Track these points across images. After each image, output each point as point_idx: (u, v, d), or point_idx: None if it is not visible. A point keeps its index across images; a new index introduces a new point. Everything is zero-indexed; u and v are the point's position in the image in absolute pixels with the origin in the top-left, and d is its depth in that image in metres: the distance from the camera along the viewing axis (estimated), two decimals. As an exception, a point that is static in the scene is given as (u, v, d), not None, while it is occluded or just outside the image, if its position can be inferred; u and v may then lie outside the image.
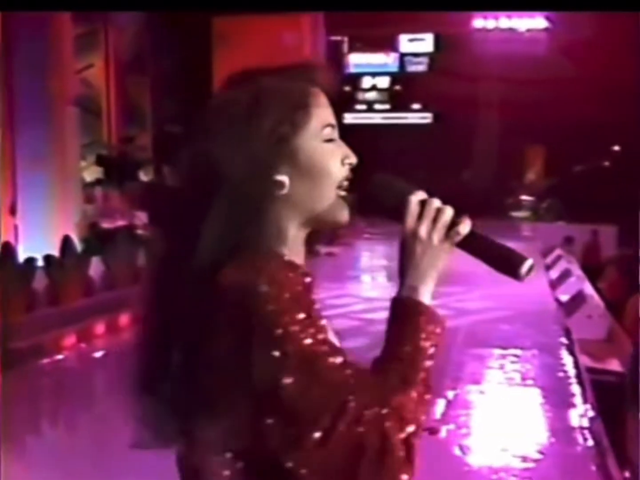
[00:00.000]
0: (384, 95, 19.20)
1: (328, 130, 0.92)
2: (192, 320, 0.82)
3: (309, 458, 0.77)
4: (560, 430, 3.89)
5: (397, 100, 18.73)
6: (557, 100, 15.12)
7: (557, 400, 4.36)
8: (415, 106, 18.16)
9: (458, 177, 16.75)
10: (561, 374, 4.96)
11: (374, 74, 19.35)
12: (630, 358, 5.00)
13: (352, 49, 19.25)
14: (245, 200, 0.85)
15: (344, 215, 0.91)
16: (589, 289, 7.58)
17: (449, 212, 0.89)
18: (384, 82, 19.17)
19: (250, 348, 0.77)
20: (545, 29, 16.74)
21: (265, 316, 0.78)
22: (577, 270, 9.18)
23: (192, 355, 0.82)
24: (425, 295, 0.87)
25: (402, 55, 19.10)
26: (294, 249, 0.90)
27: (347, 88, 18.74)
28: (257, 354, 0.77)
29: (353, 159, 0.92)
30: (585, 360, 5.35)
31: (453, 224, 0.88)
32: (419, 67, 18.88)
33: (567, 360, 5.30)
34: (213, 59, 13.80)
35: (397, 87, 18.96)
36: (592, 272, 9.67)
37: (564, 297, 7.45)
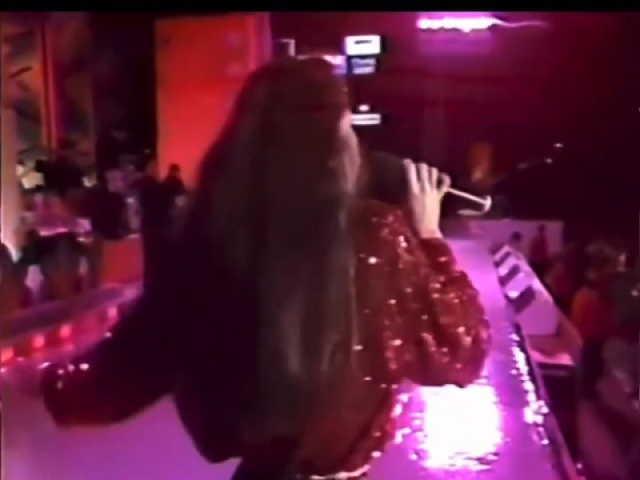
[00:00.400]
0: None
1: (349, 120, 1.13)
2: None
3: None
4: (515, 429, 3.84)
5: None
6: (502, 98, 15.35)
7: (510, 398, 4.32)
8: (364, 107, 17.85)
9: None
10: (514, 371, 4.93)
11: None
12: (580, 352, 5.02)
13: (299, 51, 19.16)
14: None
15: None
16: (537, 284, 7.64)
17: (435, 173, 1.22)
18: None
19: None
20: (490, 28, 16.95)
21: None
22: (525, 267, 9.26)
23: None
24: (439, 233, 1.19)
25: (349, 58, 19.16)
26: None
27: None
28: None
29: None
30: (536, 356, 5.35)
31: (439, 179, 1.22)
32: (365, 68, 18.95)
33: (519, 357, 5.29)
34: (157, 60, 13.52)
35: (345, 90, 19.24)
36: (540, 267, 9.80)
37: (513, 294, 7.49)
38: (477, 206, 1.30)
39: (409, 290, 0.98)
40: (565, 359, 5.55)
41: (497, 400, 4.32)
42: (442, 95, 16.87)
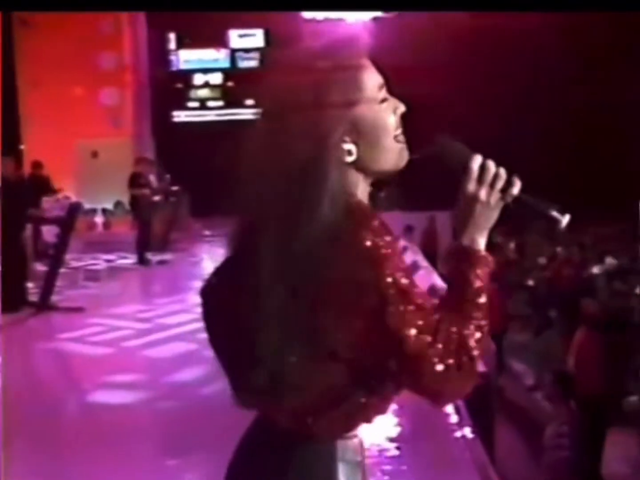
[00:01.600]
0: (216, 92, 18.76)
1: (383, 91, 1.08)
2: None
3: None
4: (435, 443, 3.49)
5: (230, 96, 18.34)
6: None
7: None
8: (249, 102, 18.22)
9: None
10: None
11: (205, 71, 18.81)
12: (493, 355, 4.83)
13: (182, 45, 18.58)
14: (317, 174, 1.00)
15: (403, 159, 1.11)
16: (439, 281, 7.56)
17: (503, 177, 1.08)
18: (216, 78, 18.72)
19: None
20: (375, 19, 16.91)
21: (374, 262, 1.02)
22: (424, 262, 9.18)
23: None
24: (482, 244, 1.10)
25: (233, 51, 18.74)
26: (364, 198, 1.11)
27: (178, 85, 18.33)
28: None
29: (402, 107, 1.10)
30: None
31: (506, 186, 1.07)
32: (250, 62, 18.60)
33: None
34: (22, 48, 12.59)
35: (230, 84, 18.59)
36: (431, 258, 9.79)
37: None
38: (554, 221, 1.10)
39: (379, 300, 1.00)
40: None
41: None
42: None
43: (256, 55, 18.49)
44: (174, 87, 18.22)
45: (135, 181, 10.11)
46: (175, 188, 11.78)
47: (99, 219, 13.11)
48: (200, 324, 1.19)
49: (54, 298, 6.87)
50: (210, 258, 11.51)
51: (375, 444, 3.27)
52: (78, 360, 5.15)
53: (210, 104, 18.57)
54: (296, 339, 1.02)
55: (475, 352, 1.02)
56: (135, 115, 14.56)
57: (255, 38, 18.63)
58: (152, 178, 10.80)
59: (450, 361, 1.00)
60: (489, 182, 1.08)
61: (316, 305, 1.00)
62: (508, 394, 5.14)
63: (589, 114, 14.88)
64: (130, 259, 10.05)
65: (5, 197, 6.52)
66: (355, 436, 1.14)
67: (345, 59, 1.05)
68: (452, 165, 1.10)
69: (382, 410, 1.12)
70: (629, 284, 8.97)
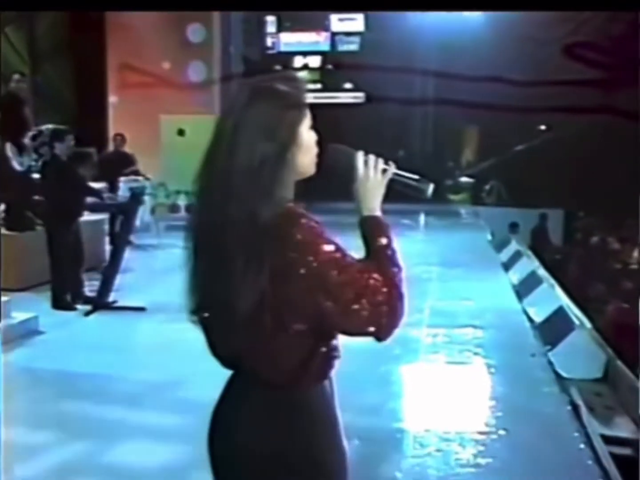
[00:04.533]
0: (315, 74, 18.65)
1: (310, 122, 1.50)
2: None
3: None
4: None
5: (329, 79, 18.30)
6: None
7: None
8: (348, 85, 17.90)
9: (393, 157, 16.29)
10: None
11: (305, 53, 18.78)
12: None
13: (282, 28, 18.63)
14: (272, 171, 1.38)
15: (314, 168, 1.50)
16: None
17: (381, 162, 1.53)
18: (315, 61, 18.70)
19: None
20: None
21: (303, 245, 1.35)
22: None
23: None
24: (378, 212, 1.50)
25: (333, 35, 18.60)
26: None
27: (277, 67, 18.42)
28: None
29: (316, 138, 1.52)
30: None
31: (384, 168, 1.52)
32: (350, 46, 18.43)
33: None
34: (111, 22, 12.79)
35: (329, 66, 18.54)
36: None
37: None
38: (420, 191, 1.52)
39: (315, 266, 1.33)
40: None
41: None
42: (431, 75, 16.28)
43: (356, 39, 18.39)
44: (271, 68, 18.31)
45: None
46: None
47: (182, 202, 11.91)
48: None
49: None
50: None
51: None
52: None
53: (309, 86, 18.71)
54: (261, 310, 1.34)
55: (396, 291, 1.36)
56: (223, 94, 13.92)
57: (356, 22, 18.46)
58: None
59: (380, 299, 1.34)
60: (372, 167, 1.50)
61: (271, 277, 1.33)
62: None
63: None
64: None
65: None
66: (324, 387, 1.46)
67: (296, 94, 1.49)
68: (344, 164, 1.50)
69: (338, 356, 1.45)
70: None
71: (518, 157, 14.89)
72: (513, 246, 10.14)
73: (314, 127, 1.45)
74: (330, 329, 1.38)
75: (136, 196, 7.50)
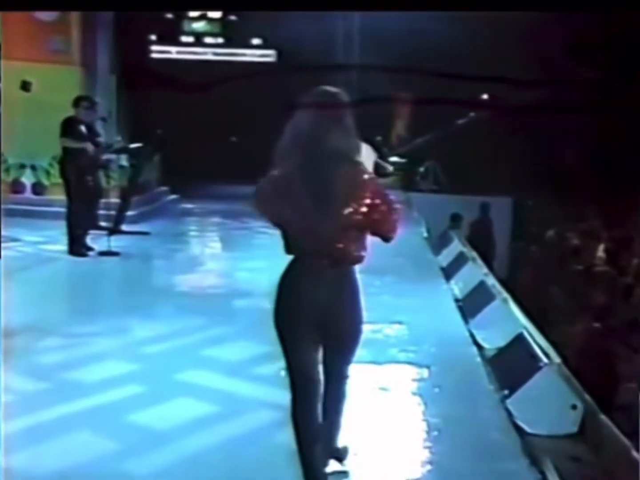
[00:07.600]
0: (215, 26, 16.53)
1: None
2: None
3: None
4: None
5: (231, 32, 16.29)
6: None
7: None
8: (256, 41, 16.06)
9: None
10: None
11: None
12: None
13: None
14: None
15: None
16: None
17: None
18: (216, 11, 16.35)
19: None
20: None
21: None
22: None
23: None
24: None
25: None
26: None
27: (170, 16, 15.91)
28: None
29: None
30: None
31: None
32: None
33: None
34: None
35: (232, 17, 16.31)
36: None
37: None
38: (383, 169, 3.32)
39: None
40: None
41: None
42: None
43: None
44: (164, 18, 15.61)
45: (71, 129, 7.24)
46: (136, 145, 8.65)
47: (27, 180, 9.96)
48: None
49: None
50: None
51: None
52: None
53: (208, 40, 16.41)
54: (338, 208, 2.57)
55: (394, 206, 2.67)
56: (87, 40, 10.26)
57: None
58: (97, 127, 7.81)
59: (397, 217, 2.65)
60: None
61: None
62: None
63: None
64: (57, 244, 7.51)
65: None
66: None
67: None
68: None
69: (366, 240, 2.68)
70: None
71: (460, 134, 12.80)
72: (455, 246, 8.47)
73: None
74: (376, 231, 2.65)
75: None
